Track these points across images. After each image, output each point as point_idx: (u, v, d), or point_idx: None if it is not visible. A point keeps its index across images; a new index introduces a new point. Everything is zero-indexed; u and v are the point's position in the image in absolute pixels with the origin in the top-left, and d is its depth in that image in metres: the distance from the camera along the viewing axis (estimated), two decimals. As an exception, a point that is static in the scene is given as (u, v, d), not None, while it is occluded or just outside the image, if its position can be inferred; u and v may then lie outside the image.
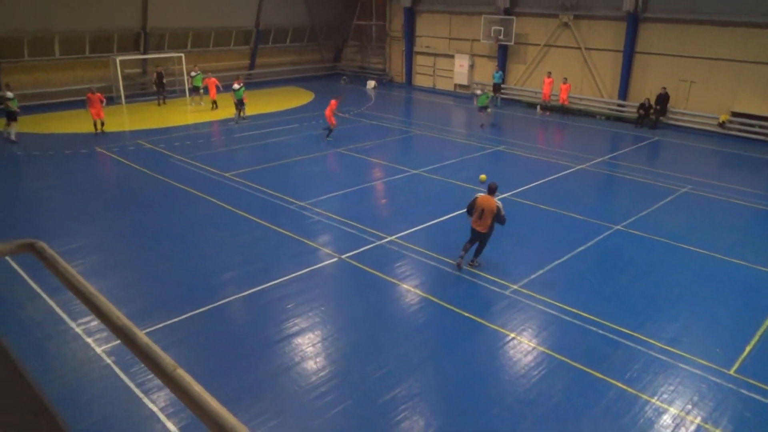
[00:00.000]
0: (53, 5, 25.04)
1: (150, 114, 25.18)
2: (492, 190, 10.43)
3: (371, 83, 33.33)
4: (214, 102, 25.98)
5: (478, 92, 26.01)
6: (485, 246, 10.74)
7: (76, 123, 23.11)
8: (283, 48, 35.80)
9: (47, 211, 13.72)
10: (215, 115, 24.79)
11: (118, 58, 26.70)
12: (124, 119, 25.15)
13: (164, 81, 27.14)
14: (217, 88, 25.93)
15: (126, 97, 27.32)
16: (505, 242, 12.02)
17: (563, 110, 26.16)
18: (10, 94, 19.89)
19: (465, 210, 11.18)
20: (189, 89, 27.19)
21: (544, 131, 24.12)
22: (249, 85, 33.03)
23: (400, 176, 16.73)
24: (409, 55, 33.74)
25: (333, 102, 21.22)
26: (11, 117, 19.70)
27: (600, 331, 8.91)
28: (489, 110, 23.29)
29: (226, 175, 16.44)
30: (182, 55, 28.99)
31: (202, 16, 30.14)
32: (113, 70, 27.11)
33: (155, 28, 28.72)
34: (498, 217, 10.17)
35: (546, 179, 16.47)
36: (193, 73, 27.06)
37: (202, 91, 27.11)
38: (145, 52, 28.77)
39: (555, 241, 12.21)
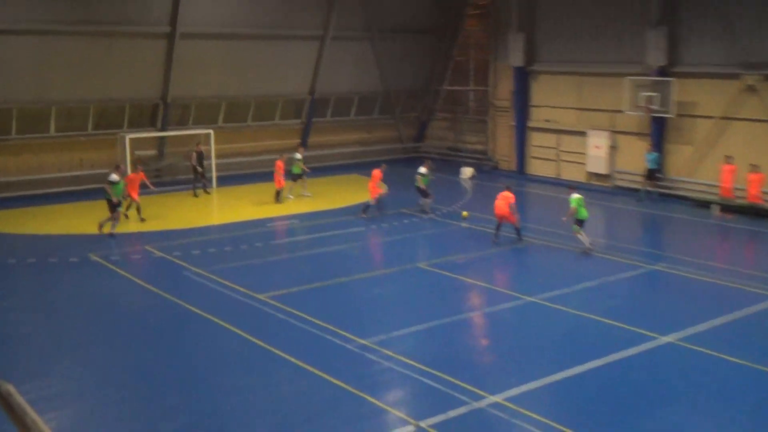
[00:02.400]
0: (49, 69, 27.86)
1: (165, 210, 26.74)
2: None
3: (467, 171, 34.07)
4: (278, 193, 27.66)
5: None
6: None
7: (68, 221, 24.84)
8: (346, 123, 37.71)
9: (19, 342, 14.46)
10: (254, 212, 25.94)
11: (129, 136, 28.97)
12: (130, 216, 26.77)
13: (204, 163, 29.22)
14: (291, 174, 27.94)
15: (134, 187, 29.20)
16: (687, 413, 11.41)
17: (753, 211, 25.47)
18: None
19: None
20: (289, 176, 28.25)
21: (725, 242, 23.53)
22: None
23: (507, 305, 16.60)
24: (522, 132, 34.51)
25: (376, 172, 24.40)
26: None
27: None
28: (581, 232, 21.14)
29: (260, 297, 16.89)
30: (211, 131, 31.04)
31: (239, 81, 32.60)
32: (121, 151, 29.34)
33: (178, 98, 31.20)
34: None
35: (732, 315, 15.79)
36: (298, 156, 28.68)
37: (304, 176, 28.64)
38: (163, 128, 31.12)
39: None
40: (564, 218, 21.32)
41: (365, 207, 24.11)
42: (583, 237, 20.81)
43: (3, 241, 22.55)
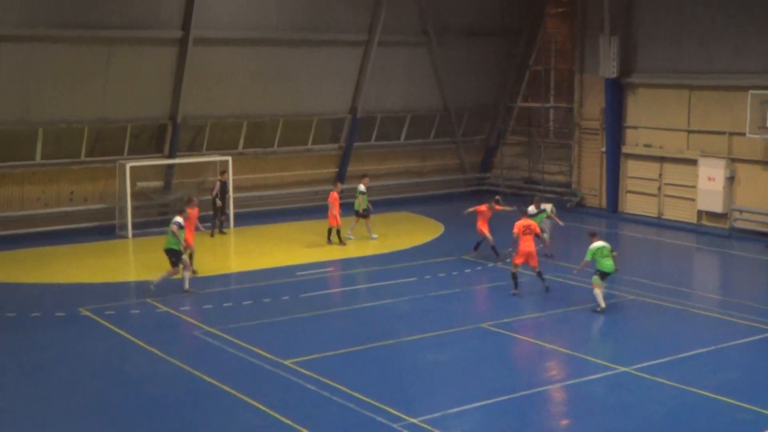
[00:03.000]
0: (35, 83, 28.52)
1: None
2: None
3: (546, 207, 33.92)
4: (331, 232, 28.20)
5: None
6: None
7: (55, 267, 25.38)
8: (395, 148, 38.01)
9: (-7, 415, 14.77)
10: (280, 258, 26.25)
11: (130, 164, 29.59)
12: (129, 262, 27.32)
13: (226, 196, 29.93)
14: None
15: (135, 226, 29.80)
16: None
17: None
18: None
19: None
20: (357, 211, 28.83)
21: None
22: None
23: (595, 377, 16.43)
24: (614, 160, 34.41)
25: (481, 208, 25.90)
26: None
27: None
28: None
29: (286, 363, 17.02)
30: (229, 159, 31.47)
31: (264, 97, 33.11)
32: (119, 183, 29.99)
33: (190, 117, 31.84)
34: None
35: None
36: (362, 188, 29.10)
37: (369, 214, 29.28)
38: (171, 155, 31.73)
39: None
40: (575, 270, 22.00)
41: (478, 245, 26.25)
42: (600, 293, 20.81)
43: (-23, 291, 23.18)
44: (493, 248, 25.50)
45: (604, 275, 20.90)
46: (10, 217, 29.13)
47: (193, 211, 23.83)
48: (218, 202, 29.58)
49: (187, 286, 22.17)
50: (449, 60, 36.96)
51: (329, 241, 28.07)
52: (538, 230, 22.90)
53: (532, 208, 26.06)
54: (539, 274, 22.38)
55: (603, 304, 20.72)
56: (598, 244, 20.89)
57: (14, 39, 27.63)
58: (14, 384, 16.21)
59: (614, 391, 15.82)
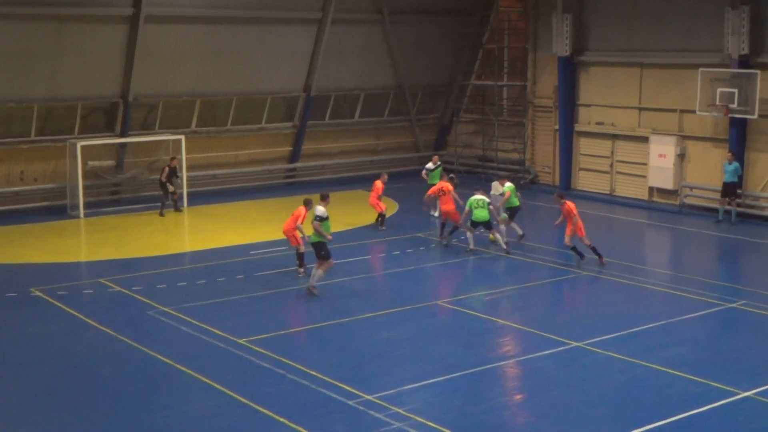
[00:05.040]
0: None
1: (124, 234, 27.02)
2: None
3: (499, 186, 34.11)
4: (381, 217, 27.67)
5: (502, 186, 25.94)
6: None
7: (5, 247, 25.05)
8: (350, 126, 37.96)
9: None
10: (233, 237, 26.15)
11: (81, 143, 29.28)
12: (81, 242, 27.04)
13: (177, 180, 29.87)
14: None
15: (87, 206, 29.52)
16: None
17: None
18: None
19: None
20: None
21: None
22: (288, 189, 34.85)
23: (547, 352, 16.59)
24: (567, 137, 34.64)
25: (378, 184, 26.96)
26: None
27: None
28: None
29: (241, 342, 17.00)
30: (182, 137, 31.35)
31: (217, 75, 32.92)
32: (70, 162, 29.65)
33: (142, 96, 31.53)
34: None
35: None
36: (430, 165, 29.44)
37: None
38: (123, 134, 31.43)
39: None
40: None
41: (381, 220, 26.61)
42: (505, 229, 24.64)
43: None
44: (442, 226, 25.64)
45: (513, 211, 25.11)
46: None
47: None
48: (170, 187, 29.39)
49: (315, 282, 20.34)
50: (403, 38, 36.89)
51: (380, 226, 27.44)
52: (452, 192, 25.02)
53: (430, 165, 28.98)
54: (455, 228, 24.73)
55: (472, 245, 24.33)
56: (510, 184, 25.29)
57: (-40, 16, 27.15)
58: (-36, 366, 16.01)
59: (567, 366, 16.00)
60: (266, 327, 18.00)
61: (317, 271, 20.16)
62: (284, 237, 21.97)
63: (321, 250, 20.10)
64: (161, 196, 29.66)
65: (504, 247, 24.17)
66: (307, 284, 20.31)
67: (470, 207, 23.87)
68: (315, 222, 19.90)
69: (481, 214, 23.75)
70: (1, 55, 28.16)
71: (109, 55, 30.12)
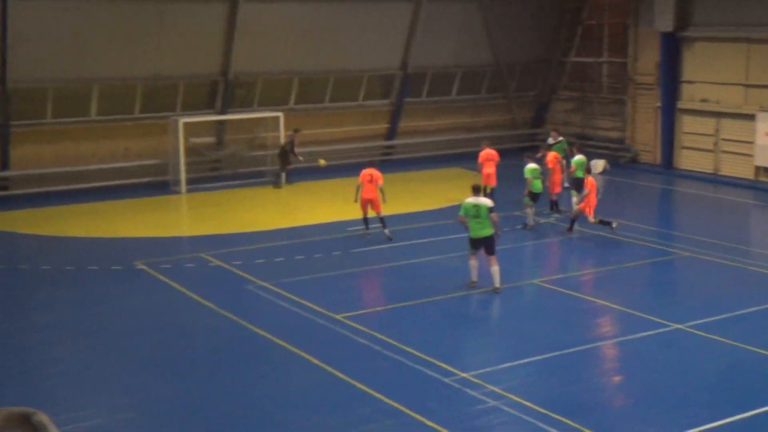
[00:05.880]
0: (90, 41, 28.89)
1: (223, 210, 27.62)
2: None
3: (599, 164, 33.62)
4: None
5: (530, 164, 24.47)
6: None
7: (110, 222, 25.86)
8: (446, 104, 37.84)
9: (53, 365, 15.11)
10: (330, 213, 26.42)
11: (183, 120, 29.90)
12: (182, 217, 27.68)
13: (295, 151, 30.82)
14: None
15: (188, 182, 30.23)
16: None
17: None
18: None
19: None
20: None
21: None
22: (387, 166, 34.91)
23: (647, 333, 16.34)
24: (669, 115, 33.93)
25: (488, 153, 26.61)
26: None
27: None
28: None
29: (338, 317, 17.18)
30: (280, 114, 31.77)
31: (315, 53, 33.14)
32: (172, 139, 30.31)
33: (242, 74, 32.01)
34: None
35: None
36: (550, 140, 29.53)
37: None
38: (223, 111, 31.99)
39: None
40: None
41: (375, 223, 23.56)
42: (531, 212, 23.88)
43: (36, 244, 23.66)
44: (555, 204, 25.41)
45: (535, 196, 23.91)
46: (66, 172, 29.61)
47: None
48: (295, 157, 30.44)
49: (498, 284, 18.85)
50: (501, 14, 36.48)
51: (557, 211, 25.79)
52: (380, 180, 23.15)
53: (550, 140, 28.82)
54: (381, 219, 23.18)
55: (531, 222, 24.01)
56: (533, 165, 24.06)
57: (69, -3, 27.97)
58: (73, 336, 16.57)
59: (667, 349, 15.74)
60: (363, 303, 18.19)
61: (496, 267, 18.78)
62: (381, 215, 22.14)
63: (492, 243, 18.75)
64: (279, 168, 30.60)
65: (529, 223, 24.13)
66: (492, 286, 18.76)
67: (531, 176, 23.67)
68: (493, 214, 18.60)
69: (540, 185, 23.85)
70: (106, 36, 28.90)
71: (209, 33, 30.64)
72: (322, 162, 30.91)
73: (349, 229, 24.58)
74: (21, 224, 25.44)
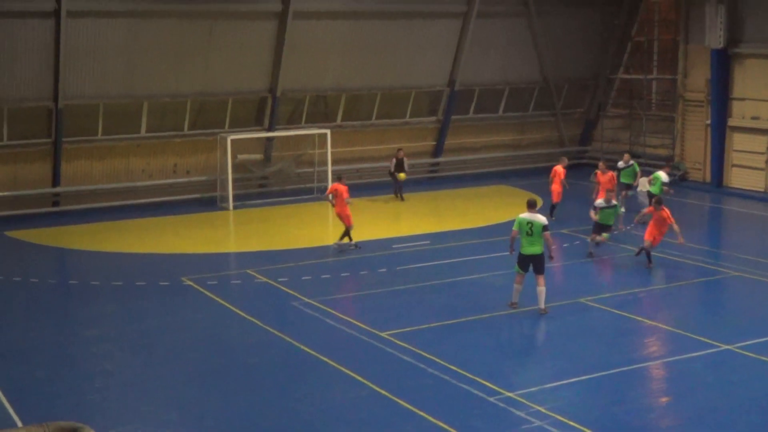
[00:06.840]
0: (141, 58, 29.31)
1: (270, 226, 27.85)
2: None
3: (647, 182, 33.34)
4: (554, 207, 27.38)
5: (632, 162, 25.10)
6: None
7: (158, 237, 26.20)
8: (493, 122, 37.79)
9: (103, 378, 15.36)
10: (375, 231, 26.46)
11: (231, 137, 30.22)
12: (230, 233, 27.94)
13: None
14: None
15: (236, 198, 30.53)
16: None
17: None
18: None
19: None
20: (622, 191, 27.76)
21: None
22: (433, 183, 35.00)
23: (696, 354, 16.19)
24: (720, 133, 33.61)
25: (558, 169, 26.79)
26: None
27: None
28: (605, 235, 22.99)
29: (382, 335, 17.22)
30: (328, 131, 31.99)
31: (362, 70, 33.36)
32: (221, 155, 30.64)
33: (289, 90, 32.28)
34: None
35: None
36: (621, 164, 28.45)
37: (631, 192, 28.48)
38: (271, 128, 32.29)
39: None
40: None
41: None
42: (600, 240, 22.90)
43: (86, 259, 24.07)
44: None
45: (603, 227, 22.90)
46: (115, 188, 30.11)
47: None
48: (399, 176, 31.08)
49: (543, 305, 18.58)
50: (549, 30, 36.46)
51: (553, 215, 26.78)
52: (346, 194, 23.62)
53: (621, 163, 27.85)
54: (346, 231, 23.91)
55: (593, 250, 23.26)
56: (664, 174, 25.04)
57: (121, 15, 28.41)
58: (122, 351, 16.79)
59: (716, 369, 15.56)
60: (407, 321, 18.15)
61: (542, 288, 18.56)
62: (424, 232, 22.10)
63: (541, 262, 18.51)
64: (393, 183, 31.69)
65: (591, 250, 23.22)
66: (538, 307, 18.49)
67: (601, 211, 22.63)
68: (546, 232, 18.39)
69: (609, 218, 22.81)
70: (157, 52, 29.35)
71: (258, 50, 30.97)
72: (402, 176, 31.21)
73: (395, 246, 24.64)
74: (71, 240, 25.89)
